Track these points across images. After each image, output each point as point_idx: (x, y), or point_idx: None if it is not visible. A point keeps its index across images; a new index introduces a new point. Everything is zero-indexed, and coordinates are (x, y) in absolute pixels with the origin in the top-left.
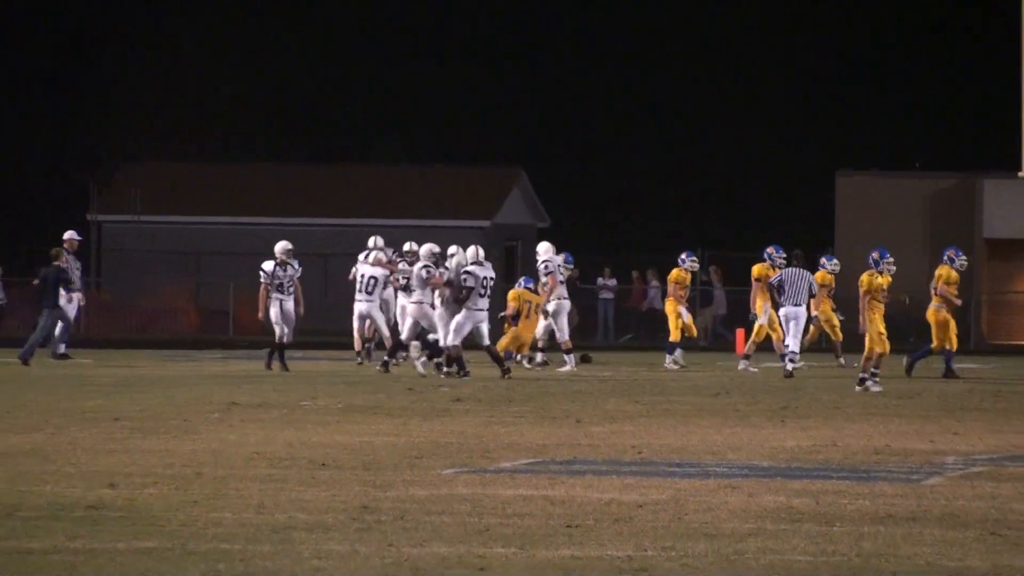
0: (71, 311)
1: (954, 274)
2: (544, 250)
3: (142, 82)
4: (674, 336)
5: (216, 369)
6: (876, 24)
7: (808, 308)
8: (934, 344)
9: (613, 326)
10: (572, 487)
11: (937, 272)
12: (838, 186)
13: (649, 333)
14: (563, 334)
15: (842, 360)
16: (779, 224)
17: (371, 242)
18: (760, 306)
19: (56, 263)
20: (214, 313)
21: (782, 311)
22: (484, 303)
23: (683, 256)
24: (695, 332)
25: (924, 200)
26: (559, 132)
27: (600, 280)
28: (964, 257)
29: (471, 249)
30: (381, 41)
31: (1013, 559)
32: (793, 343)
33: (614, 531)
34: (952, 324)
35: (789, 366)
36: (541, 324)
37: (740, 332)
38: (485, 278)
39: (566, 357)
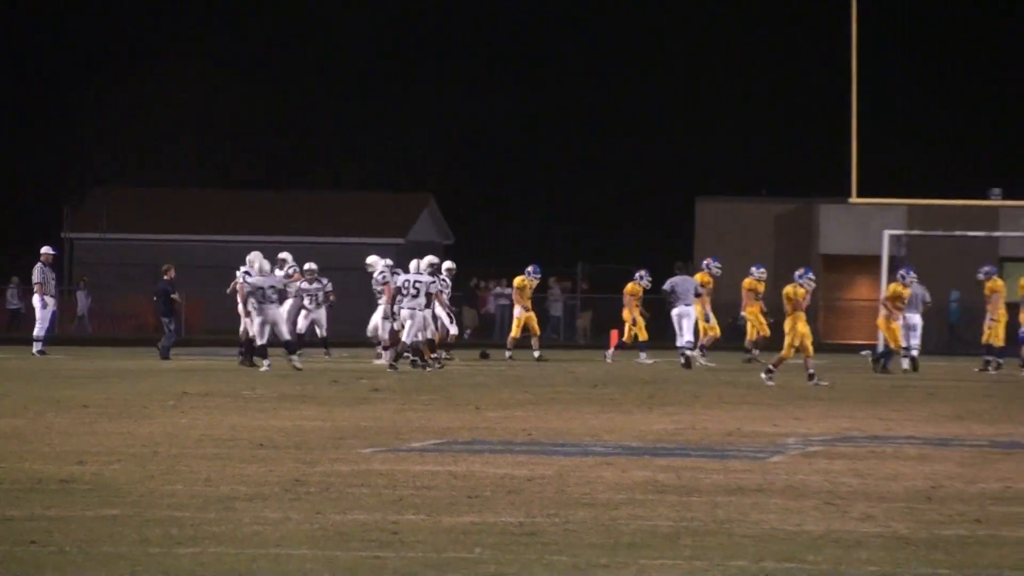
0: (47, 315)
1: (801, 290)
2: (372, 261)
3: (108, 118)
4: (643, 336)
5: (170, 364)
6: (726, 65)
7: (697, 307)
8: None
9: (507, 327)
10: (472, 464)
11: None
12: (697, 210)
13: (487, 333)
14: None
15: (755, 352)
16: (649, 241)
17: (283, 255)
18: (700, 311)
19: (166, 277)
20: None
21: (674, 311)
22: (419, 302)
23: (641, 273)
24: (646, 335)
25: (769, 222)
26: (463, 163)
27: (496, 288)
28: (813, 278)
29: (412, 263)
30: (317, 84)
31: (843, 524)
32: (688, 336)
33: (507, 501)
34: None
35: (686, 355)
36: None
37: (614, 332)
38: (409, 280)
39: (383, 352)
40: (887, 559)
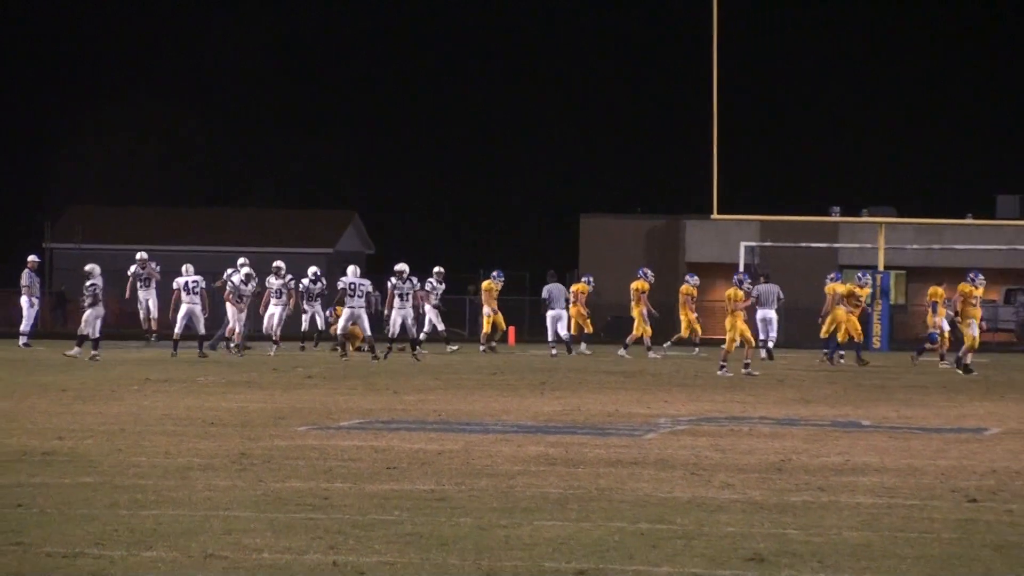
0: (32, 313)
1: (740, 293)
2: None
3: (81, 144)
4: (647, 333)
5: (134, 355)
6: (609, 103)
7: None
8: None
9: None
10: (391, 439)
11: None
12: (582, 225)
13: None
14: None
15: (665, 346)
16: (540, 253)
17: (241, 260)
18: (639, 314)
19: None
20: (132, 314)
21: (550, 313)
22: (359, 302)
23: (645, 270)
24: (650, 331)
25: (643, 236)
26: (381, 184)
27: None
28: (696, 279)
29: (351, 267)
30: (258, 116)
31: (706, 491)
32: (562, 333)
33: (421, 471)
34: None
35: (555, 351)
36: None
37: (512, 329)
38: (353, 283)
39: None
40: (743, 521)
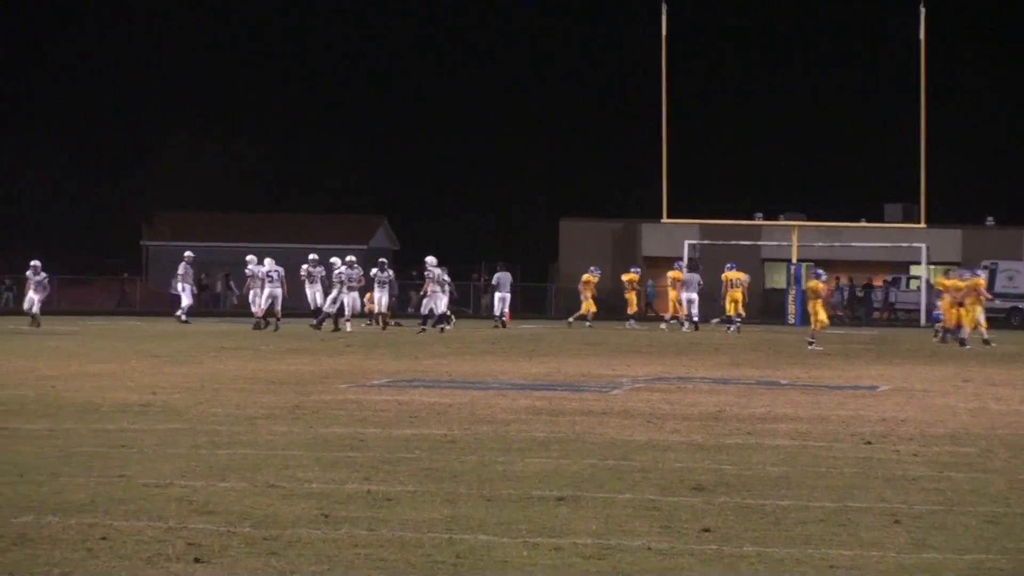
0: (189, 295)
1: (821, 284)
2: (430, 263)
3: (165, 161)
4: (673, 312)
5: (211, 328)
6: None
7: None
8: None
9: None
10: (412, 395)
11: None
12: (561, 226)
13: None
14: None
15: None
16: (528, 249)
17: (251, 258)
18: (674, 297)
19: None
20: (212, 295)
21: (497, 295)
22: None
23: (680, 263)
24: (683, 311)
25: (608, 236)
26: (407, 192)
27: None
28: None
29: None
30: (305, 133)
31: (659, 435)
32: (505, 309)
33: (436, 420)
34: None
35: (503, 322)
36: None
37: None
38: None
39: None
40: (688, 458)
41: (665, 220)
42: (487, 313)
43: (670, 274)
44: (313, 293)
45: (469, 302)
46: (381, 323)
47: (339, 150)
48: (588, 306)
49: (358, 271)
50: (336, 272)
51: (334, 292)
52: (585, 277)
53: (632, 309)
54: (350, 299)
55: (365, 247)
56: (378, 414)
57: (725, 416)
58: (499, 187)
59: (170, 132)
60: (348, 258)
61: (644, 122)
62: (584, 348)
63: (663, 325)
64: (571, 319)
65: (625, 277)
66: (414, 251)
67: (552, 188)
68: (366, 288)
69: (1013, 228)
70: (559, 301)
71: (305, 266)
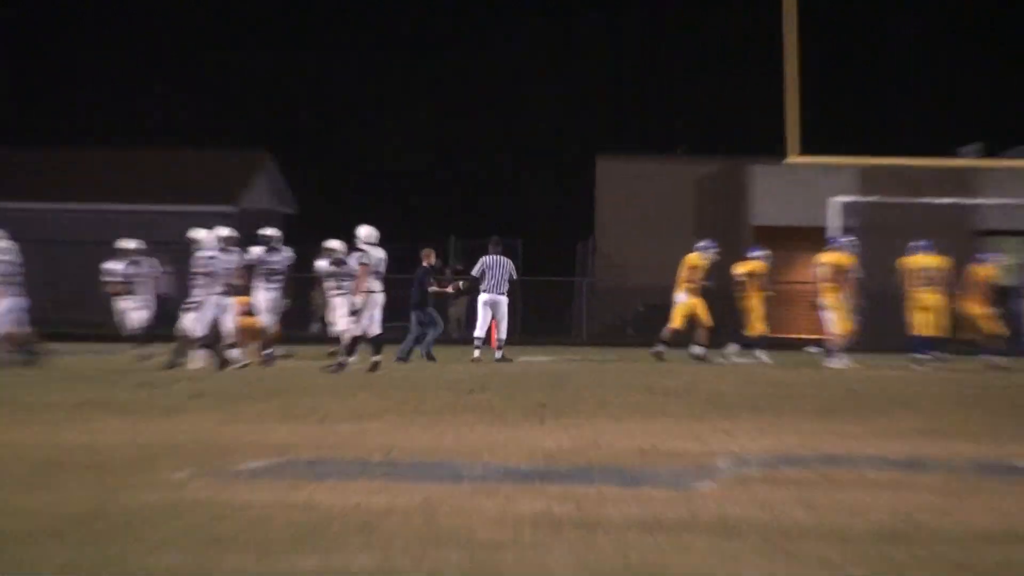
0: None
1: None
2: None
3: None
4: (676, 326)
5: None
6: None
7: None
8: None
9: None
10: (316, 490)
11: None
12: (598, 170)
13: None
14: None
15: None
16: (537, 209)
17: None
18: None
19: (425, 263)
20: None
21: (482, 298)
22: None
23: (703, 243)
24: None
25: (689, 186)
26: (308, 112)
27: (323, 264)
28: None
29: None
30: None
31: (790, 570)
32: (485, 323)
33: (361, 539)
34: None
35: (498, 354)
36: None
37: (493, 323)
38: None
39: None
40: None
41: (796, 159)
42: (463, 333)
43: (823, 259)
44: (124, 303)
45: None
46: (259, 351)
47: (177, 32)
48: (688, 315)
49: (233, 256)
50: (204, 258)
51: (197, 297)
52: (692, 259)
53: (757, 327)
54: (212, 308)
55: (233, 208)
56: (249, 529)
57: (919, 535)
58: (474, 101)
59: None
60: (213, 232)
61: None
62: (641, 398)
63: (811, 348)
64: (661, 346)
65: (743, 268)
66: (323, 219)
67: (580, 103)
68: (241, 287)
69: None
70: (595, 308)
71: (112, 264)
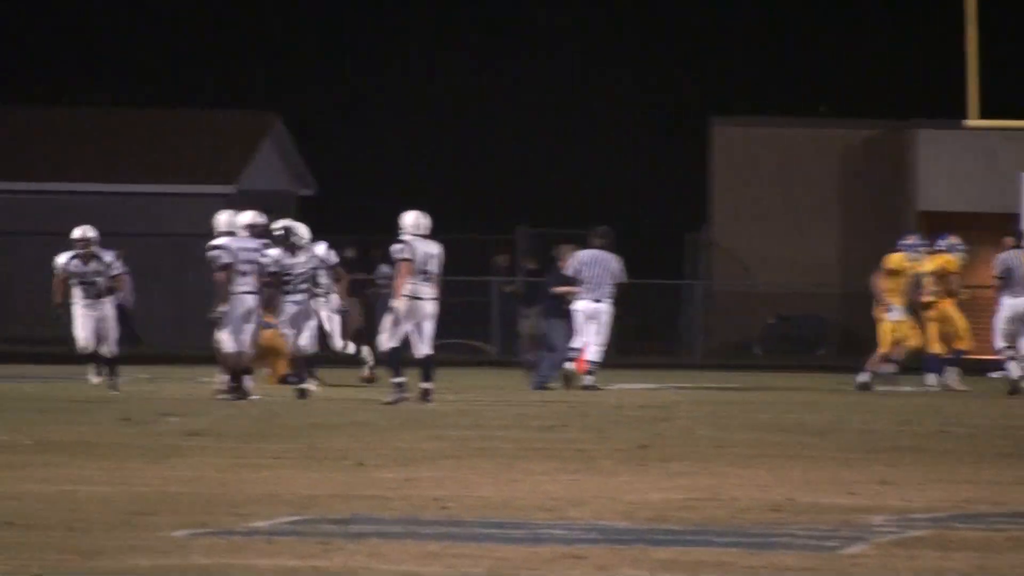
0: None
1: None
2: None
3: None
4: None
5: None
6: None
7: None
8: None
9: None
10: (352, 555)
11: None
12: (714, 136)
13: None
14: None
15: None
16: (628, 191)
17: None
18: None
19: (561, 264)
20: None
21: (582, 306)
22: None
23: (912, 240)
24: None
25: (833, 157)
26: (328, 65)
27: (383, 269)
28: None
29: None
30: None
31: None
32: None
33: None
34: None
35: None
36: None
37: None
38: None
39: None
40: None
41: (977, 122)
42: (535, 352)
43: (945, 262)
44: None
45: (489, 325)
46: (296, 373)
47: None
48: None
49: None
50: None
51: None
52: (895, 261)
53: (939, 344)
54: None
55: (231, 189)
56: None
57: None
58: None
59: None
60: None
61: None
62: (774, 437)
63: (996, 372)
64: (867, 375)
65: (928, 265)
66: (348, 203)
67: (688, 55)
68: (270, 296)
69: None
70: (712, 320)
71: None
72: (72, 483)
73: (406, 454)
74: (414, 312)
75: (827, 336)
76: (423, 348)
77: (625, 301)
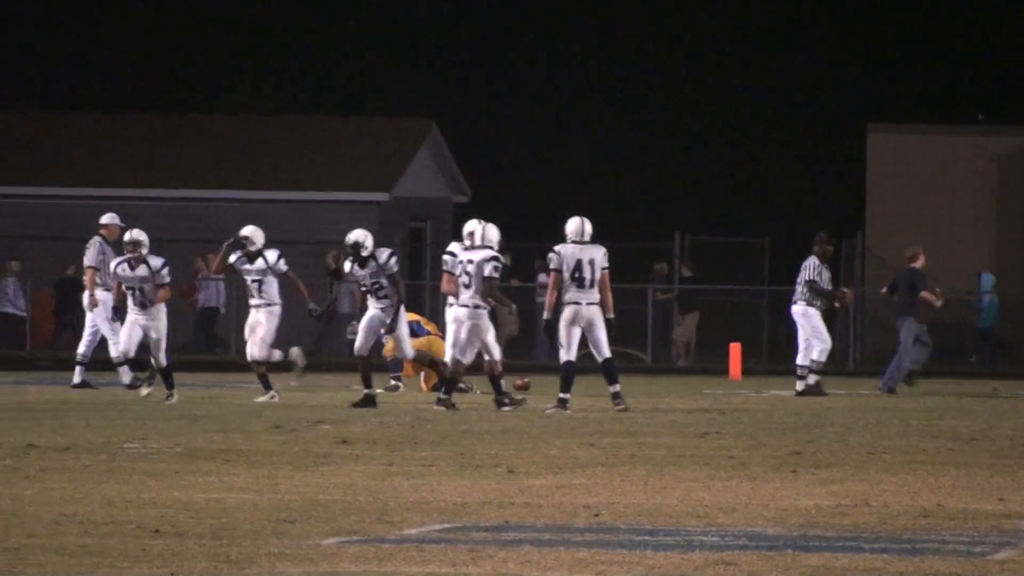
0: None
1: None
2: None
3: None
4: None
5: (5, 399)
6: None
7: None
8: None
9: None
10: (503, 563)
11: None
12: (870, 144)
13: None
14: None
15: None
16: (784, 199)
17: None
18: None
19: (914, 265)
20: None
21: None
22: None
23: None
24: None
25: (991, 166)
26: (485, 73)
27: (541, 277)
28: None
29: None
30: None
31: None
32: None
33: None
34: None
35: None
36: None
37: (735, 347)
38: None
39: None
40: None
41: None
42: (691, 361)
43: None
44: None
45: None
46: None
47: None
48: None
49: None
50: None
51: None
52: None
53: None
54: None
55: (386, 196)
56: None
57: None
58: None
59: None
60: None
61: None
62: (925, 443)
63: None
64: None
65: None
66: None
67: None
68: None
69: None
70: (867, 327)
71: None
72: (221, 491)
73: (557, 461)
74: (578, 319)
75: (980, 343)
76: (601, 352)
77: (774, 308)
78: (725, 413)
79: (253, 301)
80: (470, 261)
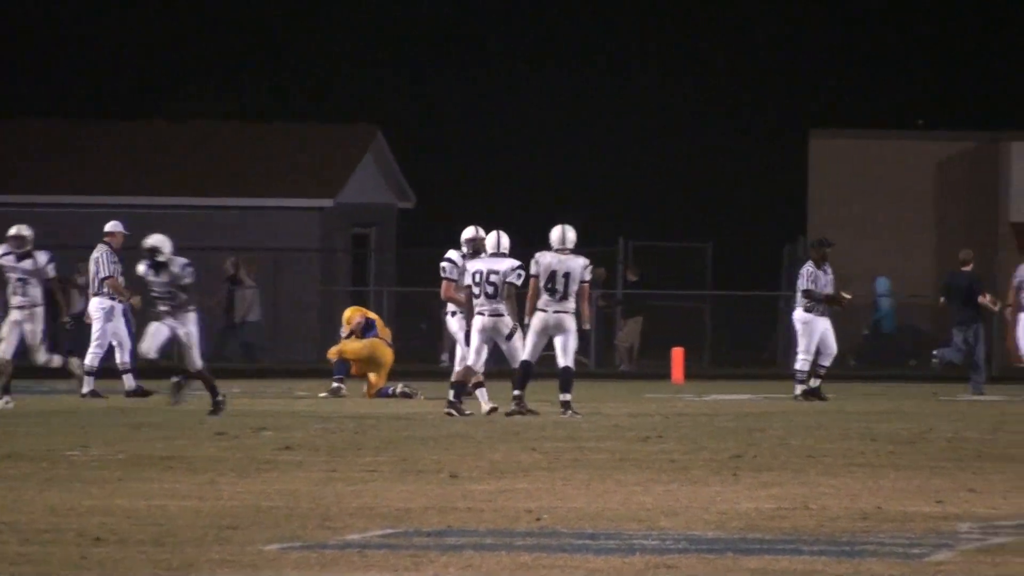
0: None
1: None
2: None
3: None
4: None
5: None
6: None
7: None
8: None
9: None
10: (445, 567)
11: None
12: (812, 149)
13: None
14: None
15: None
16: (726, 204)
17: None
18: None
19: (965, 268)
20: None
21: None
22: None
23: None
24: None
25: (929, 170)
26: (428, 78)
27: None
28: None
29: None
30: None
31: None
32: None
33: None
34: None
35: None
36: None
37: (677, 352)
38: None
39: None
40: None
41: None
42: (633, 365)
43: None
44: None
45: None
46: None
47: None
48: None
49: None
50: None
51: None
52: None
53: None
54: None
55: (330, 203)
56: None
57: None
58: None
59: None
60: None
61: None
62: (863, 447)
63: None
64: None
65: None
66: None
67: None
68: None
69: None
70: None
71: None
72: (164, 498)
73: (500, 466)
74: (547, 327)
75: (921, 347)
76: (564, 359)
77: (718, 312)
78: (667, 417)
79: (15, 301)
80: (493, 272)
